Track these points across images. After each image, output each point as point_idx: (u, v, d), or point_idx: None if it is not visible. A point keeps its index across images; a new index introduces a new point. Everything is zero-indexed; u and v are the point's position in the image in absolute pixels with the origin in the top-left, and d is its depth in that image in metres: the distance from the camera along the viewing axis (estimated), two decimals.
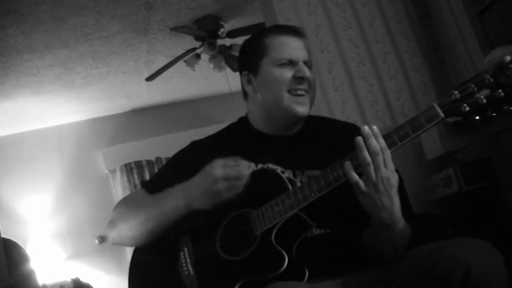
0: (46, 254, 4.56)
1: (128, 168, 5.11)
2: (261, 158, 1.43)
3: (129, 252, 4.45)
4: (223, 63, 4.20)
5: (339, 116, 2.67)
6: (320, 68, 2.70)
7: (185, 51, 4.11)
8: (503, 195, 2.03)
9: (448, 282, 1.08)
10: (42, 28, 3.41)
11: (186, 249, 1.40)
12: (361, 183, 1.16)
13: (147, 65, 4.46)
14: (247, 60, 1.51)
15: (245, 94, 1.55)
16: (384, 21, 2.84)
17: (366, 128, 1.17)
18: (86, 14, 3.39)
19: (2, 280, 1.91)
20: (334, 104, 2.71)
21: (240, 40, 4.01)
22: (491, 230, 2.03)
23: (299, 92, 1.43)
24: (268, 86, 1.44)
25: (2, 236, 2.08)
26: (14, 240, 2.27)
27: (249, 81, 1.50)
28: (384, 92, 2.76)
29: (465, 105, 1.11)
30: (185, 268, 1.37)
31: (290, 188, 1.28)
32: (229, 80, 4.55)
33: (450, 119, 1.15)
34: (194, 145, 1.56)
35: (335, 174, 1.22)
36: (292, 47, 1.44)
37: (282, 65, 1.43)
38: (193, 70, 4.25)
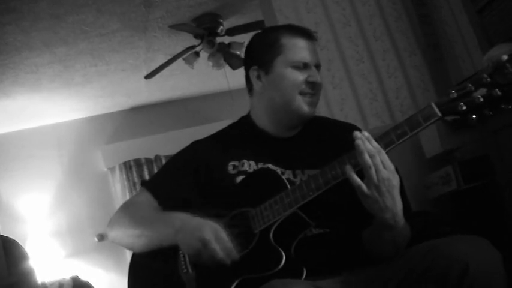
0: (45, 252, 4.56)
1: (127, 166, 5.11)
2: (261, 158, 1.43)
3: (128, 250, 4.46)
4: (222, 61, 4.19)
5: (337, 113, 2.67)
6: None
7: (184, 49, 4.10)
8: (502, 193, 2.03)
9: (446, 280, 1.08)
10: (41, 26, 3.40)
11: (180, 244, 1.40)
12: (364, 186, 1.17)
13: (146, 63, 4.45)
14: (259, 55, 1.50)
15: (250, 89, 1.55)
16: (383, 19, 2.84)
17: (358, 133, 1.19)
18: (85, 12, 3.38)
19: (1, 278, 1.91)
20: (333, 101, 2.71)
21: (239, 38, 4.02)
22: (489, 228, 2.04)
23: (308, 96, 1.45)
24: (280, 86, 1.45)
25: (1, 234, 2.08)
26: (13, 238, 2.27)
27: (259, 77, 1.50)
28: (383, 90, 2.76)
29: (462, 104, 1.11)
30: (184, 266, 1.37)
31: (289, 187, 1.29)
32: (228, 78, 4.55)
33: (448, 118, 1.15)
34: (195, 145, 1.56)
35: (333, 172, 1.23)
36: (307, 51, 1.46)
37: (296, 67, 1.44)
38: (192, 68, 4.25)
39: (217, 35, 4.03)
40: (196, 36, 4.04)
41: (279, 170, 1.40)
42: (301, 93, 1.44)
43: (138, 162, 5.15)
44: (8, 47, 3.56)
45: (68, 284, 3.82)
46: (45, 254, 4.55)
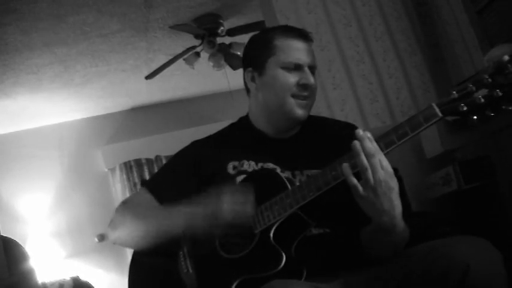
0: (45, 253, 4.56)
1: (127, 167, 5.11)
2: (261, 158, 1.43)
3: (128, 250, 4.45)
4: (222, 62, 4.20)
5: (338, 114, 2.67)
6: (319, 66, 2.69)
7: (185, 49, 4.11)
8: (502, 194, 2.03)
9: (446, 281, 1.08)
10: (41, 26, 3.41)
11: (185, 247, 1.40)
12: (359, 187, 1.16)
13: (147, 63, 4.45)
14: (253, 57, 1.51)
15: (248, 91, 1.55)
16: (384, 19, 2.84)
17: (360, 131, 1.18)
18: (86, 12, 3.38)
19: (1, 278, 1.91)
20: (334, 102, 2.71)
21: (239, 38, 4.02)
22: (490, 228, 2.04)
23: (301, 98, 1.43)
24: (272, 87, 1.45)
25: (2, 234, 2.08)
26: (13, 238, 2.27)
27: (253, 79, 1.50)
28: (383, 90, 2.76)
29: (463, 104, 1.11)
30: (184, 267, 1.37)
31: (289, 187, 1.29)
32: (229, 78, 4.55)
33: (449, 118, 1.15)
34: (195, 144, 1.56)
35: (333, 173, 1.22)
36: (300, 52, 1.44)
37: (287, 68, 1.43)
38: (193, 68, 4.25)
39: (218, 35, 4.04)
40: (196, 37, 4.04)
41: (278, 170, 1.39)
42: (294, 96, 1.43)
43: (138, 163, 5.15)
44: (9, 48, 3.56)
45: (69, 284, 3.82)
46: (46, 255, 4.55)
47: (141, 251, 1.49)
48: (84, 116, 5.22)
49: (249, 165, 1.43)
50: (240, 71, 1.59)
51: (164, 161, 5.06)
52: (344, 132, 1.43)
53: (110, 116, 5.31)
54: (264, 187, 1.32)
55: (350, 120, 2.05)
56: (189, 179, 1.46)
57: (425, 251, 1.15)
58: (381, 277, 1.23)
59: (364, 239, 1.29)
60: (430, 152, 2.43)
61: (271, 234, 1.28)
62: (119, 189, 5.06)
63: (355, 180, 1.17)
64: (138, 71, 4.54)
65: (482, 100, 1.09)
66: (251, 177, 1.39)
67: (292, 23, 2.65)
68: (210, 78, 5.04)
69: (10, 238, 2.24)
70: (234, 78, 4.44)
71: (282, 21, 2.72)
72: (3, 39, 3.42)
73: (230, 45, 4.11)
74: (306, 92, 1.43)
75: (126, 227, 1.46)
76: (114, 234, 1.49)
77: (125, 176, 5.07)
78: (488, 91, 1.08)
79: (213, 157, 1.46)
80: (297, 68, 1.43)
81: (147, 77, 4.34)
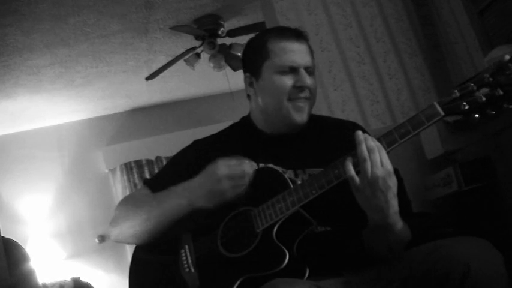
0: (46, 254, 4.56)
1: (128, 168, 5.11)
2: (262, 158, 1.43)
3: (129, 251, 4.46)
4: (223, 63, 4.20)
5: (338, 115, 2.67)
6: (320, 67, 2.70)
7: (185, 50, 4.11)
8: (503, 195, 2.03)
9: (447, 281, 1.08)
10: (42, 27, 3.41)
11: (187, 246, 1.40)
12: (356, 178, 1.17)
13: (147, 64, 4.46)
14: (250, 62, 1.51)
15: (248, 95, 1.55)
16: (384, 20, 2.84)
17: (360, 132, 1.19)
18: (86, 13, 3.39)
19: (2, 279, 1.90)
20: (334, 103, 2.71)
21: (240, 39, 4.02)
22: (490, 229, 2.03)
23: (299, 102, 1.42)
24: (269, 92, 1.45)
25: (2, 235, 2.08)
26: (13, 239, 2.27)
27: (251, 84, 1.51)
28: (384, 91, 2.76)
29: (465, 103, 1.12)
30: (186, 265, 1.37)
31: (291, 186, 1.29)
32: (229, 79, 4.55)
33: (450, 118, 1.15)
34: (196, 144, 1.57)
35: (336, 172, 1.23)
36: (294, 53, 1.43)
37: (283, 72, 1.42)
38: (193, 69, 4.25)
39: (218, 36, 4.04)
40: (197, 38, 4.04)
41: (280, 169, 1.39)
42: (291, 99, 1.42)
43: (139, 164, 5.15)
44: (9, 49, 3.56)
45: (69, 285, 3.82)
46: (46, 256, 4.55)
47: (142, 249, 1.49)
48: (85, 117, 5.22)
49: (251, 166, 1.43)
50: (241, 72, 1.60)
51: (165, 162, 5.06)
52: (347, 131, 1.43)
53: (110, 117, 5.31)
54: (266, 186, 1.32)
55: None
56: (190, 177, 1.46)
57: (427, 252, 1.15)
58: (383, 277, 1.23)
59: (363, 235, 1.29)
60: (430, 153, 2.42)
61: (274, 233, 1.28)
62: (120, 190, 5.06)
63: (352, 172, 1.18)
64: (139, 72, 4.54)
65: (484, 99, 1.09)
66: (253, 176, 1.39)
67: (292, 24, 2.65)
68: (211, 79, 5.04)
69: (10, 239, 2.23)
70: (234, 79, 4.44)
71: (283, 22, 2.73)
72: (3, 40, 3.42)
73: (231, 46, 4.11)
74: (302, 93, 1.42)
75: (127, 219, 1.46)
76: (115, 231, 1.49)
77: (125, 177, 5.07)
78: (489, 90, 1.09)
79: (214, 156, 1.46)
80: (292, 70, 1.42)
81: (148, 78, 4.34)
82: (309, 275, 1.23)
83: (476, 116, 1.11)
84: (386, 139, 1.20)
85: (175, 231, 1.42)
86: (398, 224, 1.20)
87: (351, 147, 1.20)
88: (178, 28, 3.76)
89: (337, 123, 1.62)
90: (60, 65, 4.04)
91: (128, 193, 4.99)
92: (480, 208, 2.20)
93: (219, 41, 4.06)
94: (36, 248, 4.51)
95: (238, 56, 4.09)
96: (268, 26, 2.93)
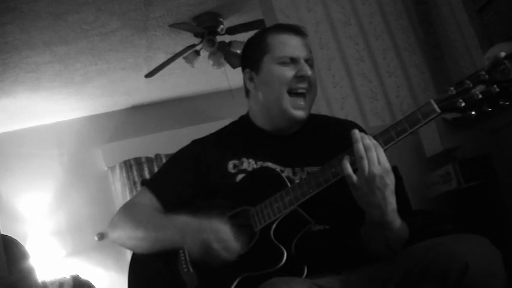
0: (45, 251, 4.56)
1: (127, 165, 5.11)
2: (260, 156, 1.43)
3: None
4: (222, 60, 4.19)
5: (338, 112, 2.67)
6: (319, 65, 2.70)
7: (184, 47, 4.10)
8: (502, 192, 2.04)
9: (446, 278, 1.08)
10: (41, 25, 3.40)
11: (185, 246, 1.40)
12: (354, 176, 1.17)
13: (147, 62, 4.45)
14: (249, 57, 1.52)
15: (247, 92, 1.55)
16: (384, 17, 2.84)
17: (357, 131, 1.19)
18: (85, 11, 3.38)
19: (1, 277, 1.91)
20: (334, 100, 2.71)
21: (239, 37, 4.02)
22: (489, 227, 2.04)
23: (300, 91, 1.43)
24: (270, 83, 1.45)
25: (2, 233, 2.09)
26: (13, 237, 2.27)
27: (251, 79, 1.51)
28: (383, 89, 2.76)
29: (461, 100, 1.12)
30: (184, 265, 1.37)
31: (289, 185, 1.29)
32: (229, 77, 4.55)
33: (448, 116, 1.16)
34: (195, 143, 1.56)
35: (333, 170, 1.23)
36: (294, 45, 1.45)
37: (283, 63, 1.43)
38: (193, 67, 4.25)
39: (218, 33, 4.03)
40: (196, 35, 4.04)
41: (278, 168, 1.40)
42: (291, 92, 1.42)
43: (138, 161, 5.15)
44: (8, 46, 3.56)
45: (68, 283, 3.82)
46: (46, 253, 4.55)
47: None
48: (84, 115, 5.22)
49: (249, 164, 1.43)
50: (240, 69, 1.60)
51: (164, 160, 5.07)
52: (344, 129, 1.43)
53: (109, 115, 5.31)
54: (263, 186, 1.32)
55: (350, 119, 2.05)
56: (189, 178, 1.46)
57: (425, 249, 1.15)
58: (381, 275, 1.23)
59: (361, 232, 1.29)
60: (429, 151, 2.43)
61: (272, 232, 1.28)
62: (119, 188, 5.06)
63: (350, 169, 1.18)
64: (138, 69, 4.54)
65: (480, 96, 1.10)
66: (251, 176, 1.39)
67: (291, 21, 2.65)
68: (210, 76, 5.04)
69: (10, 237, 2.24)
70: (233, 77, 4.43)
71: (282, 20, 2.72)
72: (2, 37, 3.42)
73: (230, 43, 4.11)
74: (303, 83, 1.43)
75: (125, 231, 1.46)
76: (114, 235, 1.49)
77: (124, 175, 5.07)
78: (485, 87, 1.10)
79: (213, 156, 1.46)
80: (293, 61, 1.43)
81: (147, 76, 4.33)
82: (307, 274, 1.23)
83: (473, 113, 1.12)
84: (383, 137, 1.20)
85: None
86: (396, 221, 1.20)
87: (349, 146, 1.20)
88: (177, 26, 3.76)
89: (336, 122, 1.62)
90: (59, 63, 4.04)
91: (127, 190, 5.00)
92: (479, 205, 2.20)
93: (218, 38, 4.06)
94: (35, 245, 4.52)
95: (237, 54, 4.08)
96: (267, 23, 2.93)
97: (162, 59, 4.30)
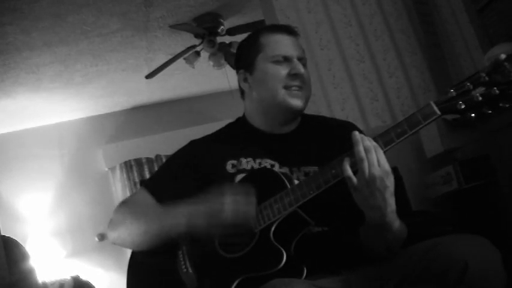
0: (46, 252, 4.56)
1: (127, 166, 5.11)
2: (258, 154, 1.43)
3: (128, 250, 4.46)
4: (222, 61, 4.20)
5: (338, 113, 2.67)
6: (320, 65, 2.70)
7: (185, 48, 4.11)
8: (503, 193, 2.03)
9: (445, 279, 1.08)
10: (41, 26, 3.41)
11: (184, 247, 1.40)
12: (354, 179, 1.17)
13: (147, 63, 4.45)
14: (243, 58, 1.54)
15: (242, 93, 1.57)
16: (384, 18, 2.84)
17: (357, 133, 1.19)
18: (86, 12, 3.38)
19: (2, 278, 1.91)
20: (334, 101, 2.71)
21: (239, 38, 4.00)
22: (489, 227, 2.04)
23: (294, 88, 1.44)
24: (264, 82, 1.46)
25: (2, 233, 2.09)
26: (13, 237, 2.27)
27: (245, 79, 1.52)
28: (383, 90, 2.76)
29: (461, 102, 1.12)
30: (184, 266, 1.37)
31: (288, 186, 1.29)
32: (229, 78, 4.55)
33: (449, 117, 1.15)
34: (193, 144, 1.57)
35: (333, 171, 1.23)
36: (287, 44, 1.46)
37: (277, 61, 1.45)
38: (193, 67, 4.25)
39: (218, 34, 4.04)
40: (197, 36, 4.04)
41: (276, 167, 1.40)
42: (286, 88, 1.43)
43: (138, 162, 5.15)
44: (9, 47, 3.56)
45: (69, 283, 3.82)
46: (46, 254, 4.55)
47: (140, 251, 1.49)
48: (85, 116, 5.22)
49: (247, 163, 1.43)
50: None
51: (164, 160, 5.06)
52: (342, 130, 1.44)
53: (110, 116, 5.31)
54: (262, 186, 1.32)
55: (350, 120, 2.05)
56: (187, 178, 1.46)
57: (425, 250, 1.15)
58: (381, 275, 1.23)
59: (360, 233, 1.29)
60: (430, 152, 2.42)
61: (271, 233, 1.28)
62: (119, 189, 5.06)
63: (350, 172, 1.18)
64: (139, 70, 4.54)
65: (480, 98, 1.10)
66: (250, 176, 1.39)
67: (292, 22, 2.65)
68: (210, 77, 5.04)
69: (10, 238, 2.24)
70: (234, 78, 4.41)
71: (282, 21, 2.72)
72: (3, 38, 3.42)
73: (230, 44, 4.11)
74: (297, 81, 1.44)
75: (126, 227, 1.45)
76: (114, 234, 1.49)
77: (125, 175, 5.07)
78: (485, 89, 1.09)
79: (211, 156, 1.47)
80: (286, 60, 1.45)
81: (147, 76, 4.34)
82: (306, 274, 1.23)
83: (473, 115, 1.12)
84: (383, 138, 1.20)
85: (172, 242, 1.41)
86: (396, 222, 1.20)
87: (347, 147, 1.20)
88: (178, 26, 3.76)
89: (333, 122, 1.63)
90: (60, 64, 4.04)
91: (127, 191, 5.00)
92: (480, 206, 2.20)
93: (219, 39, 4.06)
94: (36, 246, 4.52)
95: None
96: (268, 24, 2.93)
97: (162, 59, 4.30)
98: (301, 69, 1.44)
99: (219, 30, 4.03)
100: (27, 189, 4.77)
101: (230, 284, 1.27)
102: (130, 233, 1.44)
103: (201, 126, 4.61)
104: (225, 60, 4.20)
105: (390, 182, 1.17)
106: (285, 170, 1.40)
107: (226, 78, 4.56)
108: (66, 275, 4.02)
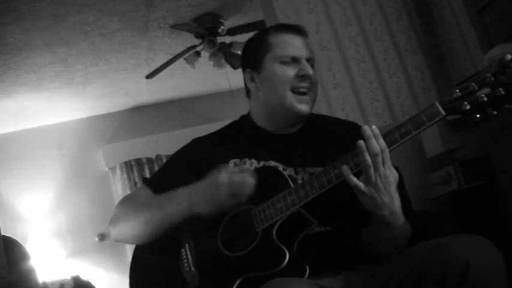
0: (46, 252, 4.56)
1: (128, 166, 5.11)
2: (262, 155, 1.43)
3: (129, 250, 4.46)
4: (223, 61, 4.20)
5: (338, 113, 2.67)
6: (320, 66, 2.70)
7: (185, 48, 4.11)
8: (503, 193, 2.03)
9: (447, 279, 1.08)
10: (41, 26, 3.41)
11: (187, 245, 1.40)
12: (361, 185, 1.16)
13: (147, 63, 4.45)
14: (251, 57, 1.52)
15: (248, 92, 1.55)
16: (384, 18, 2.84)
17: (367, 128, 1.17)
18: (86, 12, 3.38)
19: (2, 278, 1.91)
20: (334, 101, 2.71)
21: (240, 38, 4.02)
22: (490, 228, 2.04)
23: (302, 90, 1.43)
24: (271, 83, 1.45)
25: (2, 233, 2.08)
26: (14, 238, 2.27)
27: (252, 79, 1.51)
28: (383, 90, 2.76)
29: (466, 103, 1.11)
30: (186, 265, 1.37)
31: (292, 185, 1.29)
32: (229, 78, 4.55)
33: (450, 117, 1.15)
34: (196, 142, 1.56)
35: (336, 171, 1.22)
36: (295, 45, 1.45)
37: (285, 62, 1.43)
38: (193, 68, 4.25)
39: (218, 34, 4.04)
40: (197, 36, 4.04)
41: (280, 167, 1.39)
42: (294, 90, 1.42)
43: (139, 162, 5.15)
44: (9, 47, 3.56)
45: (69, 283, 3.82)
46: (46, 254, 4.55)
47: (142, 248, 1.49)
48: (85, 116, 5.22)
49: (251, 164, 1.43)
50: (241, 70, 1.60)
51: (165, 160, 5.06)
52: (347, 131, 1.44)
53: (110, 116, 5.31)
54: (266, 185, 1.32)
55: (351, 120, 2.05)
56: (189, 176, 1.46)
57: (426, 250, 1.16)
58: (382, 275, 1.23)
59: (365, 235, 1.29)
60: (430, 152, 2.42)
61: (274, 232, 1.28)
62: (120, 189, 5.06)
63: (356, 180, 1.17)
64: (139, 70, 4.54)
65: (485, 99, 1.09)
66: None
67: (292, 22, 2.64)
68: (211, 77, 5.04)
69: (10, 237, 2.23)
70: (234, 78, 4.43)
71: (282, 21, 2.72)
72: (3, 38, 3.42)
73: (230, 44, 4.11)
74: (305, 83, 1.43)
75: (127, 221, 1.45)
76: (115, 231, 1.49)
77: (125, 176, 5.07)
78: (490, 90, 1.09)
79: (213, 155, 1.46)
80: (295, 60, 1.43)
81: (148, 77, 4.34)
82: (309, 274, 1.23)
83: (478, 116, 1.11)
84: (387, 139, 1.19)
85: (175, 230, 1.41)
86: (402, 218, 1.20)
87: (351, 147, 1.19)
88: (178, 26, 3.76)
89: (337, 122, 1.62)
90: (60, 64, 4.04)
91: (128, 192, 4.99)
92: (480, 206, 2.20)
93: (219, 39, 4.06)
94: (36, 246, 4.51)
95: (238, 54, 4.09)
96: (268, 24, 2.93)
97: (162, 60, 4.30)
98: (310, 71, 1.43)
99: (220, 31, 4.03)
100: (28, 189, 4.77)
101: (232, 283, 1.27)
102: (133, 225, 1.44)
103: (201, 127, 4.61)
104: (226, 60, 4.20)
105: (393, 177, 1.17)
106: (290, 170, 1.39)
107: (227, 78, 4.56)
108: (67, 275, 4.01)
